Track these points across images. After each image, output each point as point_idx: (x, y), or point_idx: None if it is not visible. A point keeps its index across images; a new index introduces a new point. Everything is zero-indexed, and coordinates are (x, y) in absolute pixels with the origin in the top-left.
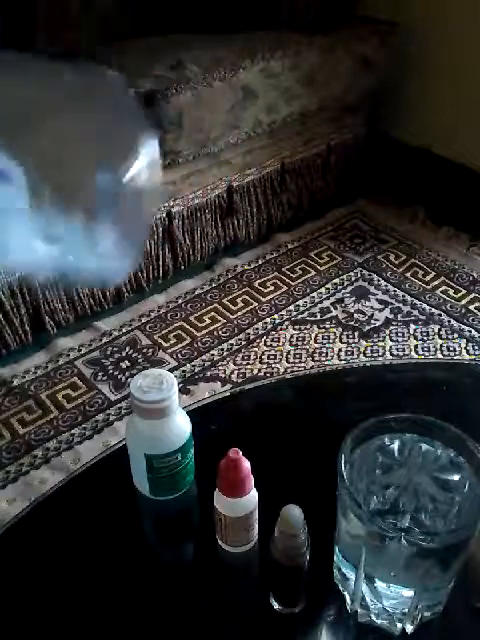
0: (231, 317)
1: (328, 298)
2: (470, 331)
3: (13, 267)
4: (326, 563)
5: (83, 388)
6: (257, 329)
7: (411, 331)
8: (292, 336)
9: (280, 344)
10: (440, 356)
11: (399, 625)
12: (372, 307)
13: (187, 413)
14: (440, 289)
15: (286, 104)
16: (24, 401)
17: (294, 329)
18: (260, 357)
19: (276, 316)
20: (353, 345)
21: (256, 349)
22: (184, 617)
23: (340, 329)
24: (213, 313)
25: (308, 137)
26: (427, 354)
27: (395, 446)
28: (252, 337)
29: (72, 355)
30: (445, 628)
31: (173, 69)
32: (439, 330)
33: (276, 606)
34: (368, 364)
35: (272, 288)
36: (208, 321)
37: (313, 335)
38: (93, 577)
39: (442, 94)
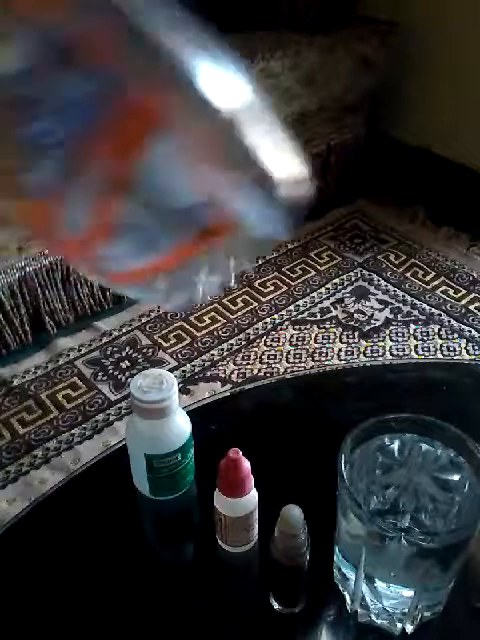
0: (231, 317)
1: (328, 298)
2: (470, 331)
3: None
4: (326, 563)
5: (83, 388)
6: (257, 329)
7: (411, 331)
8: (292, 336)
9: (280, 344)
10: (440, 356)
11: (399, 625)
12: (372, 307)
13: (187, 413)
14: (440, 289)
15: (286, 104)
16: (24, 401)
17: (294, 329)
18: (260, 357)
19: (276, 316)
20: (353, 345)
21: (256, 349)
22: (184, 617)
23: (340, 329)
24: (213, 313)
25: (308, 137)
26: (427, 354)
27: (395, 446)
28: (252, 337)
29: (72, 355)
30: (445, 628)
31: None
32: (439, 330)
33: (276, 606)
34: (368, 364)
35: (272, 288)
36: (208, 321)
37: (313, 335)
38: (93, 577)
39: (442, 94)
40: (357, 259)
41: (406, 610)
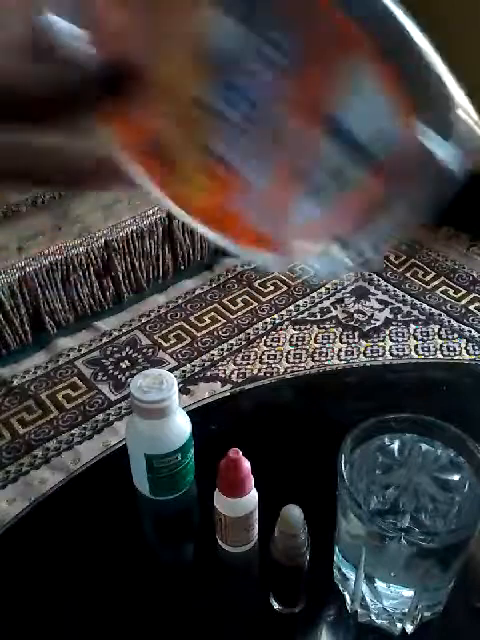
0: (231, 317)
1: (328, 298)
2: (470, 331)
3: None
4: (326, 563)
5: (83, 388)
6: (257, 329)
7: (411, 331)
8: (292, 336)
9: (280, 344)
10: (440, 356)
11: (399, 625)
12: (372, 307)
13: (187, 413)
14: (440, 289)
15: None
16: (24, 401)
17: (294, 329)
18: (260, 357)
19: (276, 316)
20: (353, 345)
21: (256, 349)
22: (184, 617)
23: (340, 329)
24: (213, 313)
25: None
26: (427, 354)
27: (395, 446)
28: (252, 337)
29: (72, 355)
30: (445, 628)
31: None
32: (439, 330)
33: (276, 606)
34: (368, 364)
35: (272, 288)
36: (208, 321)
37: (313, 335)
38: (93, 577)
39: None
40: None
41: (406, 610)
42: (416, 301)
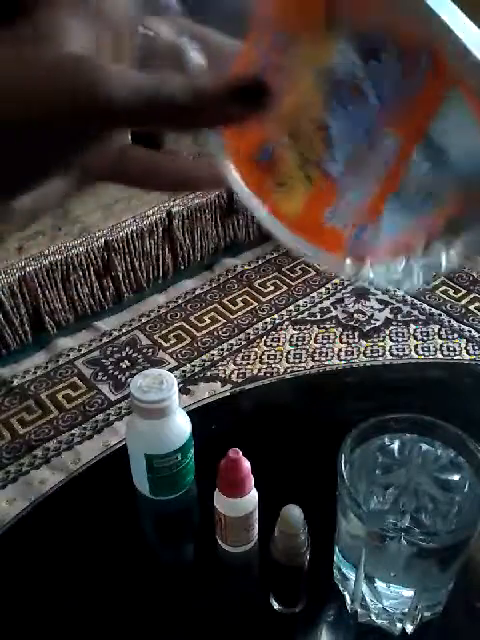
0: (231, 317)
1: (328, 298)
2: (470, 331)
3: None
4: (326, 563)
5: (83, 388)
6: (257, 329)
7: (411, 331)
8: (292, 336)
9: (280, 344)
10: (440, 356)
11: (399, 625)
12: (372, 307)
13: (187, 413)
14: (440, 289)
15: None
16: (24, 401)
17: (294, 329)
18: (260, 357)
19: (276, 316)
20: (353, 345)
21: (256, 349)
22: (184, 617)
23: (340, 329)
24: (213, 313)
25: None
26: (427, 354)
27: (395, 446)
28: (252, 337)
29: (72, 355)
30: (445, 628)
31: None
32: (439, 330)
33: (276, 606)
34: (368, 364)
35: (272, 288)
36: (208, 321)
37: (313, 335)
38: (93, 577)
39: None
40: None
41: (406, 610)
42: (416, 301)
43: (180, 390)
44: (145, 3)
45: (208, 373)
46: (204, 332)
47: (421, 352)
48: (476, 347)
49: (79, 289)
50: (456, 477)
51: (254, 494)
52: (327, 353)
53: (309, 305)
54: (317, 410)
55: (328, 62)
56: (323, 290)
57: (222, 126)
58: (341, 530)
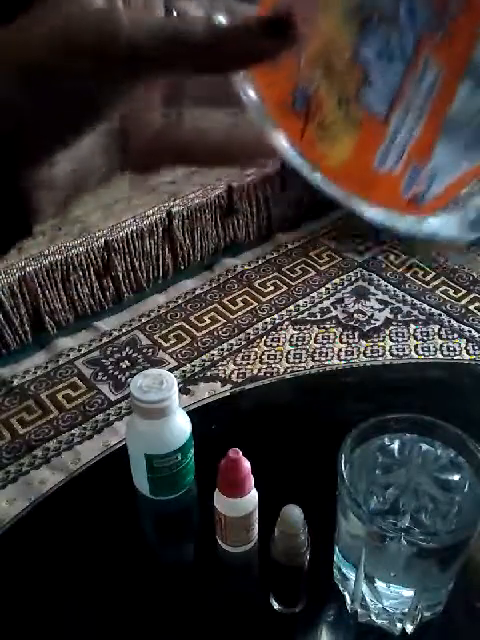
0: (231, 317)
1: (328, 298)
2: (470, 331)
3: None
4: (326, 563)
5: (83, 388)
6: (257, 329)
7: (411, 331)
8: (292, 336)
9: (280, 344)
10: (440, 356)
11: (399, 625)
12: (372, 307)
13: (187, 413)
14: (440, 289)
15: None
16: (24, 401)
17: (294, 329)
18: (260, 357)
19: (276, 316)
20: (353, 345)
21: (256, 349)
22: (184, 617)
23: (340, 329)
24: (213, 313)
25: None
26: (427, 354)
27: (395, 446)
28: (252, 337)
29: (72, 355)
30: (445, 628)
31: None
32: (439, 330)
33: (276, 606)
34: (368, 364)
35: (272, 288)
36: (208, 321)
37: (313, 335)
38: (93, 577)
39: None
40: (357, 259)
41: (406, 610)
42: (416, 301)
43: (180, 390)
44: None
45: (208, 373)
46: (204, 332)
47: (421, 352)
48: (476, 347)
49: (79, 289)
50: (456, 477)
51: (254, 494)
52: (327, 353)
53: (309, 305)
54: (317, 410)
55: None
56: (323, 290)
57: (251, 65)
58: (341, 530)
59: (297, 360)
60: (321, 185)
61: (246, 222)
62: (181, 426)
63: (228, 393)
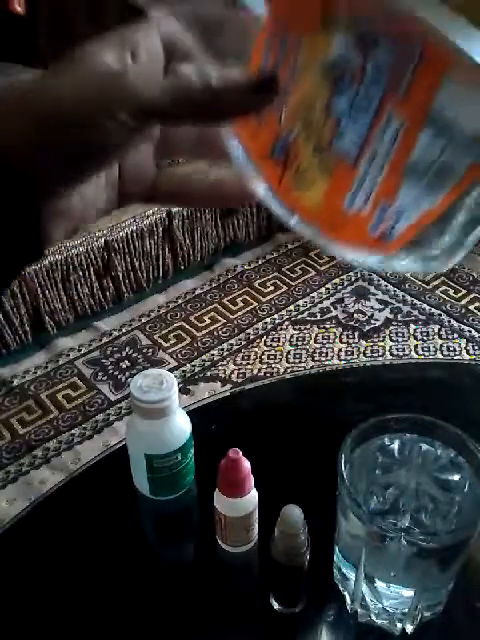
0: (231, 317)
1: (328, 298)
2: (470, 331)
3: None
4: (326, 563)
5: (83, 388)
6: (257, 329)
7: (411, 331)
8: (292, 336)
9: (280, 344)
10: (440, 356)
11: (399, 625)
12: (372, 307)
13: (187, 413)
14: (440, 289)
15: None
16: (24, 401)
17: (294, 329)
18: (260, 357)
19: (276, 316)
20: (353, 345)
21: (256, 349)
22: (184, 617)
23: (340, 329)
24: (213, 313)
25: None
26: (427, 354)
27: (395, 446)
28: (252, 337)
29: (72, 355)
30: (445, 628)
31: None
32: (439, 330)
33: (276, 606)
34: (368, 364)
35: (272, 288)
36: (208, 321)
37: (313, 335)
38: (93, 577)
39: None
40: None
41: (406, 610)
42: (416, 301)
43: (180, 390)
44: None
45: (208, 373)
46: (204, 332)
47: (421, 352)
48: (476, 347)
49: (79, 289)
50: (456, 477)
51: (254, 494)
52: (327, 353)
53: (309, 305)
54: (317, 410)
55: (329, 56)
56: (323, 290)
57: (241, 117)
58: (341, 530)
59: (297, 360)
60: (296, 227)
61: (246, 222)
62: (181, 426)
63: (228, 393)
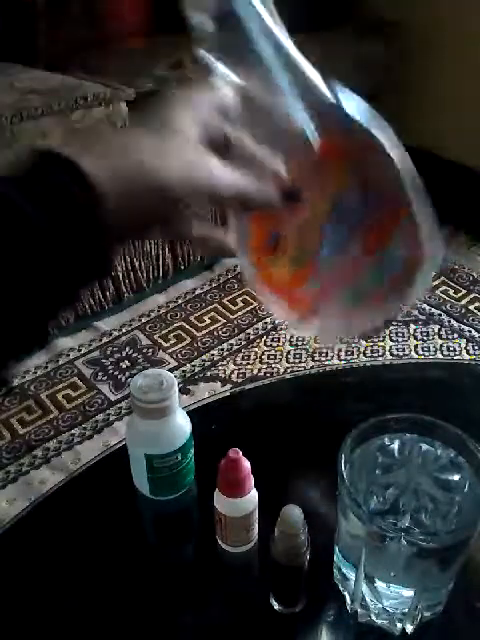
0: (231, 317)
1: None
2: (470, 331)
3: None
4: (326, 563)
5: (83, 388)
6: (257, 329)
7: (411, 331)
8: (292, 336)
9: (280, 344)
10: (440, 356)
11: (399, 625)
12: None
13: (187, 413)
14: (440, 289)
15: None
16: (24, 401)
17: (294, 329)
18: (260, 357)
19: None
20: (353, 345)
21: (256, 349)
22: (184, 617)
23: None
24: (213, 313)
25: None
26: (427, 354)
27: (395, 446)
28: (252, 337)
29: (72, 355)
30: (445, 628)
31: (173, 69)
32: (439, 330)
33: (276, 606)
34: (368, 364)
35: None
36: (208, 321)
37: (313, 335)
38: (93, 577)
39: (442, 94)
40: None
41: (406, 610)
42: (416, 301)
43: (180, 390)
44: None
45: (208, 373)
46: (204, 332)
47: (421, 352)
48: (476, 347)
49: None
50: (456, 477)
51: (254, 494)
52: (327, 353)
53: None
54: (317, 410)
55: (338, 198)
56: None
57: (259, 210)
58: (341, 530)
59: (297, 360)
60: (253, 284)
61: None
62: (181, 426)
63: (228, 393)
